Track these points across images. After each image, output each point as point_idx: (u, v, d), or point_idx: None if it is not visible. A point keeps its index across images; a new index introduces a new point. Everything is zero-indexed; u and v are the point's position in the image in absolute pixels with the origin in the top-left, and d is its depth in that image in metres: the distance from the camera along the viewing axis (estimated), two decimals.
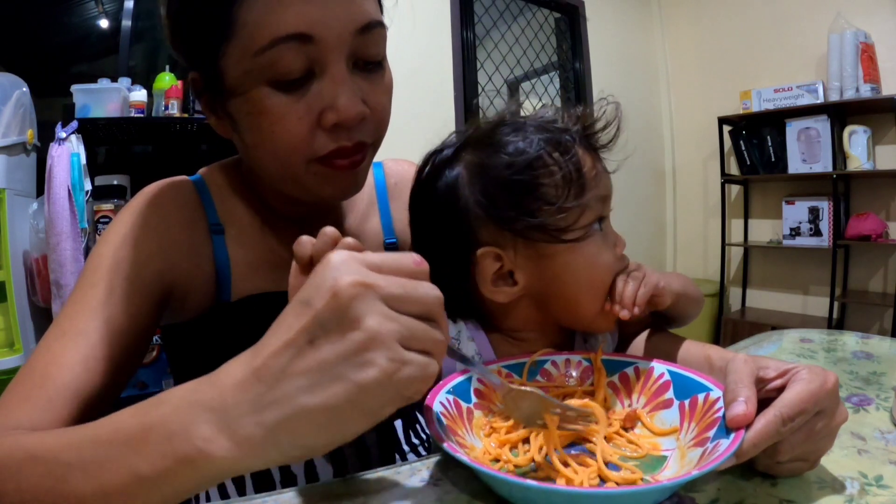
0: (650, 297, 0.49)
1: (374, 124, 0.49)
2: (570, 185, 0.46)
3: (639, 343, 0.58)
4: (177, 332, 0.56)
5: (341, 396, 0.28)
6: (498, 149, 0.48)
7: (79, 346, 0.43)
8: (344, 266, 0.29)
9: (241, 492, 0.56)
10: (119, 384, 0.46)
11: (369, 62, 0.47)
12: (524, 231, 0.47)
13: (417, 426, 0.67)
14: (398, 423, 0.64)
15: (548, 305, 0.51)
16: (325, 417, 0.28)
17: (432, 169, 0.51)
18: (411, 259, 0.32)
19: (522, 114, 0.54)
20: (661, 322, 0.59)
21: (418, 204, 0.53)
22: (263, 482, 0.55)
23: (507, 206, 0.46)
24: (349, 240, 0.33)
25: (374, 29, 0.46)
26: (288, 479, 0.55)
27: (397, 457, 0.61)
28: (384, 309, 0.29)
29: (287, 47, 0.42)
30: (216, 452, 0.28)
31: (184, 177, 0.58)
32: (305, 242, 0.34)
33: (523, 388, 0.42)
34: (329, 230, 0.34)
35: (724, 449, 0.34)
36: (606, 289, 0.49)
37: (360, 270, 0.29)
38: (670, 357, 0.52)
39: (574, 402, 0.45)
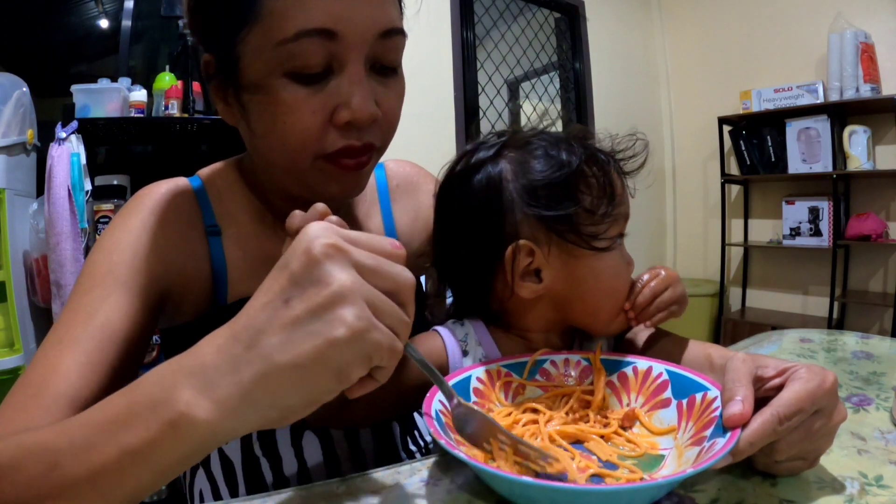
0: (668, 314, 0.52)
1: (383, 128, 0.49)
2: (605, 197, 0.49)
3: (637, 341, 0.58)
4: (174, 334, 0.56)
5: (311, 351, 0.28)
6: (542, 152, 0.50)
7: (75, 353, 0.42)
8: (320, 231, 0.31)
9: (234, 493, 0.56)
10: (117, 389, 0.46)
11: (386, 67, 0.48)
12: (563, 231, 0.49)
13: (416, 432, 0.66)
14: (396, 429, 0.63)
15: (566, 307, 0.52)
16: (296, 373, 0.29)
17: (471, 163, 0.52)
18: (389, 242, 0.33)
19: (537, 121, 0.56)
20: None
21: (451, 196, 0.54)
22: (256, 486, 0.55)
23: (550, 205, 0.48)
24: (335, 217, 0.34)
25: (395, 35, 0.46)
26: (280, 483, 0.55)
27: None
28: (355, 273, 0.30)
29: (310, 41, 0.42)
30: (198, 414, 0.29)
31: (181, 178, 0.57)
32: (296, 216, 0.35)
33: (472, 406, 0.41)
34: (319, 206, 0.34)
35: (720, 447, 0.34)
36: (623, 298, 0.52)
37: (335, 237, 0.30)
38: (672, 356, 0.52)
39: (541, 444, 0.42)
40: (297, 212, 0.34)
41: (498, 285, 0.51)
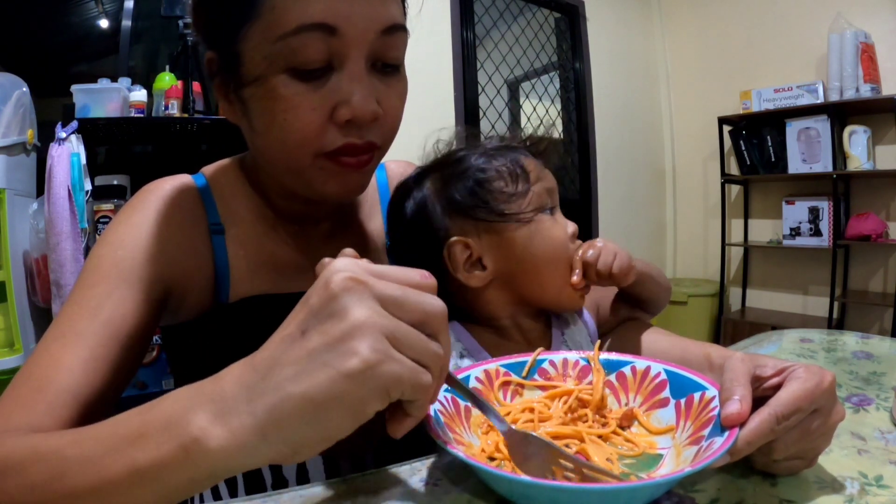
0: (619, 269, 0.55)
1: (385, 127, 0.48)
2: (516, 177, 0.55)
3: (625, 336, 0.59)
4: (176, 332, 0.56)
5: (324, 385, 0.28)
6: (457, 162, 0.57)
7: (77, 348, 0.42)
8: (342, 265, 0.30)
9: (234, 494, 0.56)
10: (119, 385, 0.46)
11: (388, 65, 0.47)
12: (483, 215, 0.55)
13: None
14: None
15: (515, 284, 0.57)
16: (307, 407, 0.28)
17: (400, 191, 0.60)
18: (419, 273, 0.32)
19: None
20: (632, 306, 0.63)
21: (392, 223, 0.60)
22: (255, 486, 0.55)
23: (468, 199, 0.55)
24: (364, 260, 0.33)
25: (396, 32, 0.46)
26: (279, 485, 0.55)
27: None
28: (375, 306, 0.29)
29: (310, 36, 0.42)
30: (210, 442, 0.28)
31: (185, 175, 0.57)
32: (326, 262, 0.34)
33: (529, 432, 0.39)
34: (349, 252, 0.34)
35: (718, 446, 0.34)
36: (565, 264, 0.56)
37: (358, 271, 0.30)
38: (663, 353, 0.53)
39: (590, 452, 0.40)
40: (327, 259, 0.34)
41: (452, 285, 0.56)
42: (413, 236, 0.58)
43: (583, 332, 0.60)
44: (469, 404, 0.41)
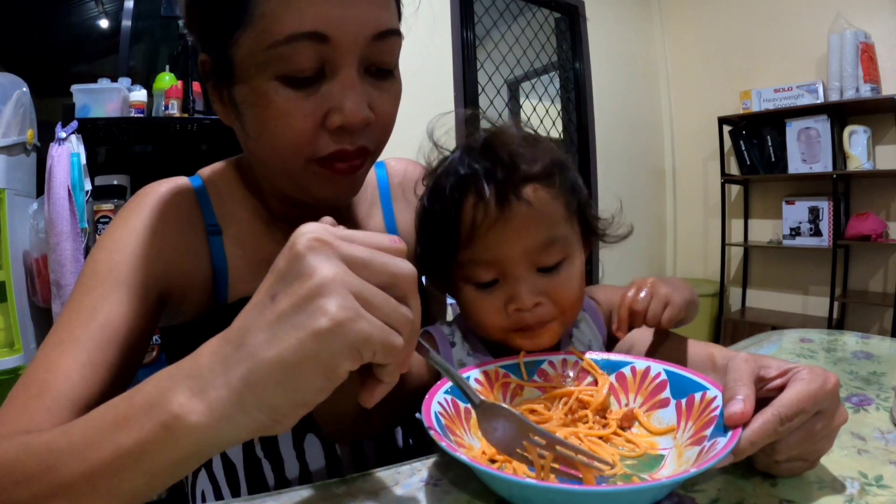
0: (668, 322, 0.50)
1: (378, 131, 0.48)
2: (448, 232, 0.49)
3: (630, 340, 0.58)
4: (175, 333, 0.56)
5: (294, 345, 0.28)
6: (428, 190, 0.53)
7: (76, 353, 0.43)
8: (308, 228, 0.30)
9: (236, 494, 0.56)
10: (118, 389, 0.45)
11: (381, 69, 0.47)
12: (426, 267, 0.54)
13: (418, 435, 0.66)
14: (398, 432, 0.63)
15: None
16: (280, 370, 0.28)
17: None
18: (388, 237, 0.32)
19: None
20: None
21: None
22: (258, 486, 0.55)
23: (419, 241, 0.55)
24: (342, 228, 0.34)
25: (389, 37, 0.46)
26: (282, 485, 0.55)
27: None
28: (341, 265, 0.29)
29: (302, 44, 0.42)
30: (190, 417, 0.29)
31: (181, 177, 0.57)
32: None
33: (499, 404, 0.38)
34: (328, 220, 0.34)
35: (722, 447, 0.34)
36: (499, 328, 0.50)
37: (323, 233, 0.30)
38: (673, 356, 0.52)
39: (564, 434, 0.40)
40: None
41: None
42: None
43: (592, 328, 0.57)
44: (446, 376, 0.40)
